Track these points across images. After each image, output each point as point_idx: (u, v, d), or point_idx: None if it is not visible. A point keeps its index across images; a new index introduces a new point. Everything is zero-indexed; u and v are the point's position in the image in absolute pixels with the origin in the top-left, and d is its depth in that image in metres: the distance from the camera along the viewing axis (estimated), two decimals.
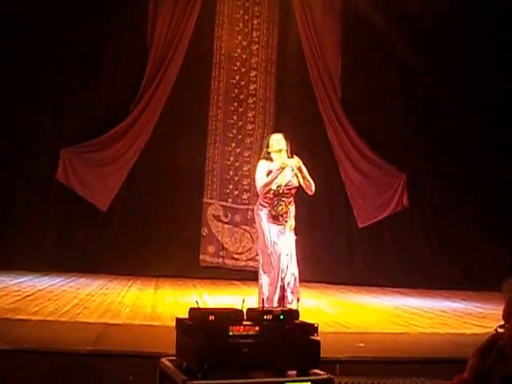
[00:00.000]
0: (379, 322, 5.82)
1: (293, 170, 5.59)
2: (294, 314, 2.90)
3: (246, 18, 9.99)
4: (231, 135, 9.91)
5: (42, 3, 9.04)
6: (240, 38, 9.95)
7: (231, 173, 9.76)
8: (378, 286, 9.24)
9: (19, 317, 4.89)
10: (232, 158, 9.86)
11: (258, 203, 5.74)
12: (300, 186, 5.66)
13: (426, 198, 10.13)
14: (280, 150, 5.60)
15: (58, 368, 3.64)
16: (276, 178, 5.50)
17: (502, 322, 1.60)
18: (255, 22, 10.02)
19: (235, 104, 9.93)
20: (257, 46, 10.03)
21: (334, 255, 9.77)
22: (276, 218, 5.57)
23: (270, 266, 5.47)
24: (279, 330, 2.78)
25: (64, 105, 9.24)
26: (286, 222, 5.59)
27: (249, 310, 2.88)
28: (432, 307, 7.18)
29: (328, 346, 3.14)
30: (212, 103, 9.83)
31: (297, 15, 9.85)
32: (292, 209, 5.67)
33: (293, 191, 5.64)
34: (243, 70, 9.96)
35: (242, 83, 9.95)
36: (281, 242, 5.49)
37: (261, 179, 5.56)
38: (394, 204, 9.88)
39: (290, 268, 5.45)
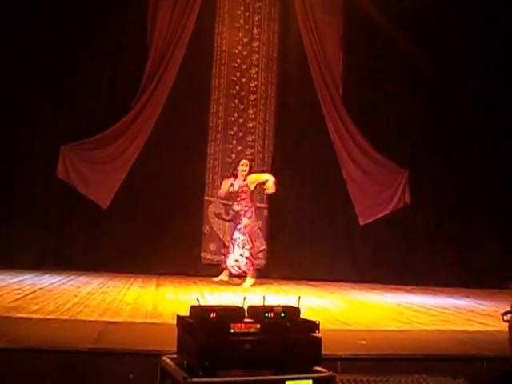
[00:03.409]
0: (381, 320, 5.80)
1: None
2: (296, 311, 2.89)
3: (247, 14, 9.96)
4: (232, 132, 9.89)
5: (42, 0, 9.04)
6: (241, 34, 9.93)
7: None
8: (380, 283, 9.22)
9: (20, 315, 4.86)
10: (233, 156, 9.83)
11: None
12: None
13: (427, 195, 10.10)
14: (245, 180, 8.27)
15: (58, 366, 3.62)
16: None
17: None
18: (256, 18, 9.99)
19: (236, 101, 9.90)
20: (258, 42, 10.00)
21: (335, 252, 9.75)
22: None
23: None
24: (280, 327, 2.77)
25: (64, 102, 9.21)
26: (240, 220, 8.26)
27: (250, 307, 2.86)
28: (434, 304, 7.16)
29: (329, 343, 3.11)
30: (213, 100, 9.81)
31: (298, 12, 9.82)
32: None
33: (242, 196, 8.28)
34: (244, 66, 9.93)
35: (243, 80, 9.92)
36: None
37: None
38: (396, 201, 9.86)
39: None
